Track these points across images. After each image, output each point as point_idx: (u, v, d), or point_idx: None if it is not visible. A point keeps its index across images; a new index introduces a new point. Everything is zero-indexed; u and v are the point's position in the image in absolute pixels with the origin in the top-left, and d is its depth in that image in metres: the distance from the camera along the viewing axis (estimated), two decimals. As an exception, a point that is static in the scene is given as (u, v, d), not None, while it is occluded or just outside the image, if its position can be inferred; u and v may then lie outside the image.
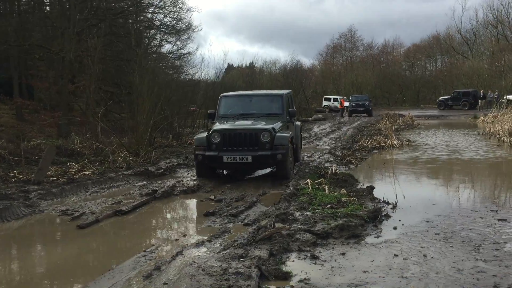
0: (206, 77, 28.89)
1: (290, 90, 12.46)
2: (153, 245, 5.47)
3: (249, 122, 9.44)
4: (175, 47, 32.37)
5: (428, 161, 12.05)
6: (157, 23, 29.42)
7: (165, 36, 31.29)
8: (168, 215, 7.39)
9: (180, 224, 6.66)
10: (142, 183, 9.30)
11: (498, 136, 17.30)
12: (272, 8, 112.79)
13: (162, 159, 12.64)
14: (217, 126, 9.39)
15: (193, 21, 62.44)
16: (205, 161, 8.95)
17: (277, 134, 8.94)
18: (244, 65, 57.32)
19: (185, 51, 32.67)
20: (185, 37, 31.70)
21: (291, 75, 43.72)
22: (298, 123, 11.88)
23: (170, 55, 33.14)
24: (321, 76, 60.30)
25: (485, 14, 57.34)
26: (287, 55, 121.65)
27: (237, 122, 9.53)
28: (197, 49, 43.62)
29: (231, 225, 6.23)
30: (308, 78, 53.50)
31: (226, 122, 9.64)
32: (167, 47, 32.51)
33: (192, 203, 7.82)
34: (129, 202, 7.49)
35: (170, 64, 32.52)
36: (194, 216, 6.82)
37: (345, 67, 61.42)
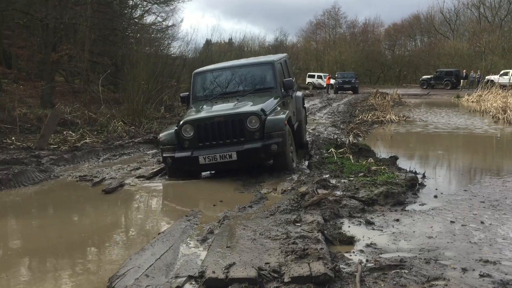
0: (193, 52, 28.22)
1: (286, 54, 10.20)
2: (192, 210, 5.20)
3: (230, 105, 7.17)
4: (159, 18, 31.33)
5: (435, 135, 12.02)
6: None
7: (149, 5, 30.22)
8: (193, 182, 7.07)
9: (209, 190, 6.36)
10: (153, 151, 8.97)
11: (491, 113, 17.45)
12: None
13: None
14: (189, 115, 7.18)
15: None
16: (175, 165, 6.77)
17: (268, 117, 6.74)
18: (222, 41, 56.10)
19: (169, 23, 31.65)
20: (171, 7, 30.68)
21: (278, 51, 43.22)
22: (299, 93, 9.85)
23: (154, 27, 32.17)
24: (304, 53, 59.98)
25: (468, -5, 57.67)
26: (264, 31, 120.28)
27: (215, 107, 7.25)
28: (182, 21, 42.08)
29: (264, 191, 5.98)
30: (294, 54, 53.11)
31: (202, 108, 7.40)
32: (150, 19, 31.45)
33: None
34: (147, 169, 7.18)
35: (152, 36, 31.58)
36: (221, 183, 6.53)
37: (327, 44, 61.11)
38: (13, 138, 9.97)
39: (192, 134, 6.72)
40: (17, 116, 11.74)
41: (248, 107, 6.98)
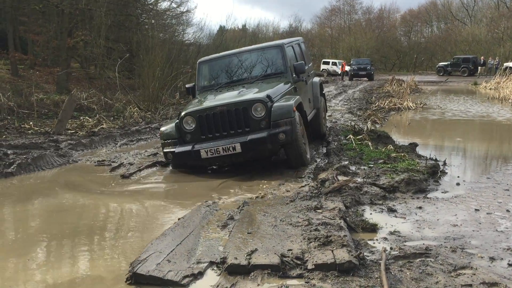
0: (208, 39, 28.11)
1: (300, 38, 9.56)
2: (211, 196, 5.17)
3: (235, 93, 6.68)
4: (173, 4, 31.16)
5: (454, 122, 11.83)
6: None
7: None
8: (208, 169, 7.04)
9: (226, 177, 6.31)
10: (170, 137, 8.92)
11: (510, 100, 17.11)
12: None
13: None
14: (190, 106, 6.75)
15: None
16: (176, 160, 6.41)
17: (275, 104, 6.20)
18: (236, 28, 55.72)
19: (183, 9, 31.45)
20: (184, -7, 30.48)
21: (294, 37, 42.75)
22: (316, 79, 9.26)
23: (168, 13, 32.04)
24: (319, 40, 59.45)
25: (486, -21, 56.52)
26: (278, 17, 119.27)
27: (219, 96, 6.78)
28: (196, 7, 41.76)
29: (281, 177, 5.92)
30: (309, 41, 52.67)
31: (205, 98, 6.97)
32: (164, 4, 31.34)
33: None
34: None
35: (167, 22, 31.47)
36: (237, 171, 6.47)
37: (342, 30, 60.47)
38: (31, 123, 10.05)
39: (193, 126, 6.30)
40: (34, 102, 11.81)
41: (252, 94, 6.45)
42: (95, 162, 6.73)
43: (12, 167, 6.24)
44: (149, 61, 14.90)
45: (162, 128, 6.66)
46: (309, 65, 9.09)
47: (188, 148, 6.15)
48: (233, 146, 5.98)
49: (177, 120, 6.46)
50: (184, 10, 31.02)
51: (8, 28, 21.70)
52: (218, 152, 6.03)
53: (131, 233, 4.28)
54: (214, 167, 6.76)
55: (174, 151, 6.23)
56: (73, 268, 3.53)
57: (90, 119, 11.15)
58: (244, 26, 56.08)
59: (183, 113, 6.39)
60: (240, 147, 5.97)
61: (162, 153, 6.61)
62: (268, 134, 5.97)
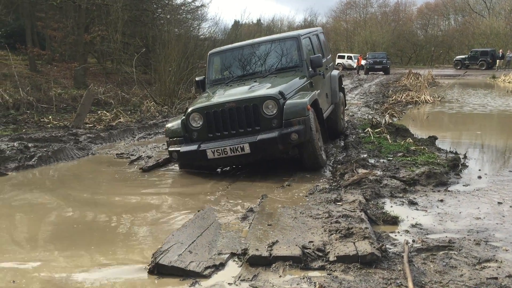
0: (222, 33, 28.10)
1: (319, 28, 9.01)
2: (228, 188, 5.17)
3: (245, 89, 6.19)
4: (188, -1, 31.18)
5: (473, 116, 11.66)
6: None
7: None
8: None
9: (244, 170, 6.31)
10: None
11: (530, 94, 16.84)
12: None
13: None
14: (198, 102, 6.30)
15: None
16: (181, 160, 5.99)
17: (288, 101, 5.73)
18: (251, 22, 55.60)
19: (198, 3, 31.46)
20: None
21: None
22: (335, 72, 8.75)
23: (183, 8, 32.09)
24: (334, 33, 59.07)
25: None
26: (293, 11, 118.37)
27: (229, 92, 6.28)
28: (210, 1, 41.82)
29: (300, 171, 5.90)
30: (325, 34, 52.39)
31: (214, 94, 6.49)
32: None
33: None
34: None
35: (182, 17, 31.52)
36: (253, 165, 6.45)
37: (358, 24, 60.00)
38: (50, 117, 10.18)
39: (201, 123, 5.85)
40: (53, 96, 11.97)
41: (264, 90, 5.97)
42: (114, 155, 6.80)
43: (33, 159, 6.33)
44: (165, 55, 14.96)
45: (168, 125, 6.25)
46: (328, 57, 8.78)
47: (194, 147, 5.74)
48: (241, 147, 5.54)
49: (184, 117, 6.07)
50: (199, 5, 31.01)
51: (26, 24, 21.94)
52: (226, 153, 5.59)
53: (153, 224, 4.30)
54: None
55: (179, 150, 5.83)
56: (96, 258, 3.55)
57: (107, 113, 11.25)
58: (258, 20, 55.82)
59: (190, 109, 5.98)
60: (249, 148, 5.53)
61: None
62: (279, 134, 5.51)
